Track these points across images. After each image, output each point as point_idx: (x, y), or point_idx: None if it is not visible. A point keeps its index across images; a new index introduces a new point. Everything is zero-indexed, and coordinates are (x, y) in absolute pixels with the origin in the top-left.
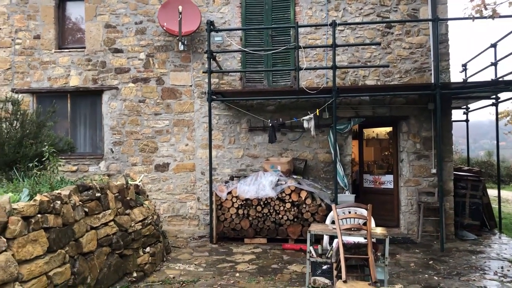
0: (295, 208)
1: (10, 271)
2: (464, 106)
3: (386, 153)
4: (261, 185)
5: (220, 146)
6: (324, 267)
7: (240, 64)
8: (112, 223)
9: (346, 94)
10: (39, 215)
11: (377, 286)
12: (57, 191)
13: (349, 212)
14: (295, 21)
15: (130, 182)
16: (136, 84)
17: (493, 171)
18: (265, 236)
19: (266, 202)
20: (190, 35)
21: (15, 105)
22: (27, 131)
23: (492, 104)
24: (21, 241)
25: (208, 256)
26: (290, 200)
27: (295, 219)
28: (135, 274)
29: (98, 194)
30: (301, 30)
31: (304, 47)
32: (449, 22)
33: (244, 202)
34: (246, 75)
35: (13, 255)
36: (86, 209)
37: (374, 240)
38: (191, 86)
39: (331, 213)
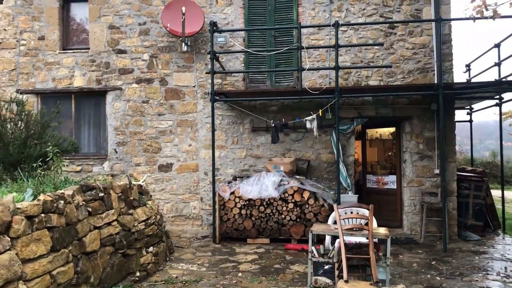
0: (298, 209)
1: (14, 270)
2: (468, 107)
3: (390, 153)
4: (264, 186)
5: (223, 146)
6: (326, 267)
7: (243, 65)
8: (115, 222)
9: (349, 95)
10: (42, 215)
11: (378, 286)
12: (61, 191)
13: (351, 212)
14: (298, 21)
15: (133, 182)
16: (139, 84)
17: (498, 171)
18: (268, 236)
19: (269, 202)
20: (193, 36)
21: (20, 106)
22: (32, 131)
23: (496, 105)
24: (24, 240)
25: (211, 256)
26: (293, 201)
27: (298, 219)
28: (138, 274)
29: (101, 194)
30: (304, 30)
31: (307, 48)
32: (453, 23)
33: (247, 202)
34: (249, 75)
35: (17, 254)
36: (90, 209)
37: (376, 240)
38: (194, 86)
39: (333, 213)
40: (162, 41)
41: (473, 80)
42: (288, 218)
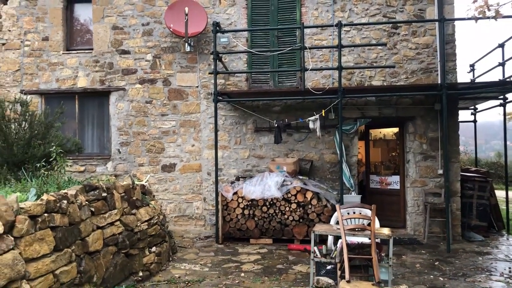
0: (301, 209)
1: (17, 269)
2: (472, 107)
3: (393, 154)
4: (266, 186)
5: (226, 146)
6: (328, 267)
7: (246, 65)
8: (118, 222)
9: (352, 95)
10: (46, 214)
11: (380, 286)
12: (64, 191)
13: (354, 213)
14: (301, 22)
15: (136, 182)
16: (143, 85)
17: (503, 172)
18: (270, 237)
19: (271, 202)
20: (196, 36)
21: (24, 106)
22: (36, 131)
23: (500, 105)
24: (28, 240)
25: (214, 256)
26: (296, 201)
27: (301, 220)
28: (141, 274)
29: (104, 194)
30: (307, 31)
31: (310, 48)
32: (456, 22)
33: (250, 202)
34: (252, 76)
35: (20, 253)
36: (93, 209)
37: (378, 240)
38: (197, 87)
39: (336, 214)
40: (165, 41)
41: (477, 80)
42: (291, 218)
